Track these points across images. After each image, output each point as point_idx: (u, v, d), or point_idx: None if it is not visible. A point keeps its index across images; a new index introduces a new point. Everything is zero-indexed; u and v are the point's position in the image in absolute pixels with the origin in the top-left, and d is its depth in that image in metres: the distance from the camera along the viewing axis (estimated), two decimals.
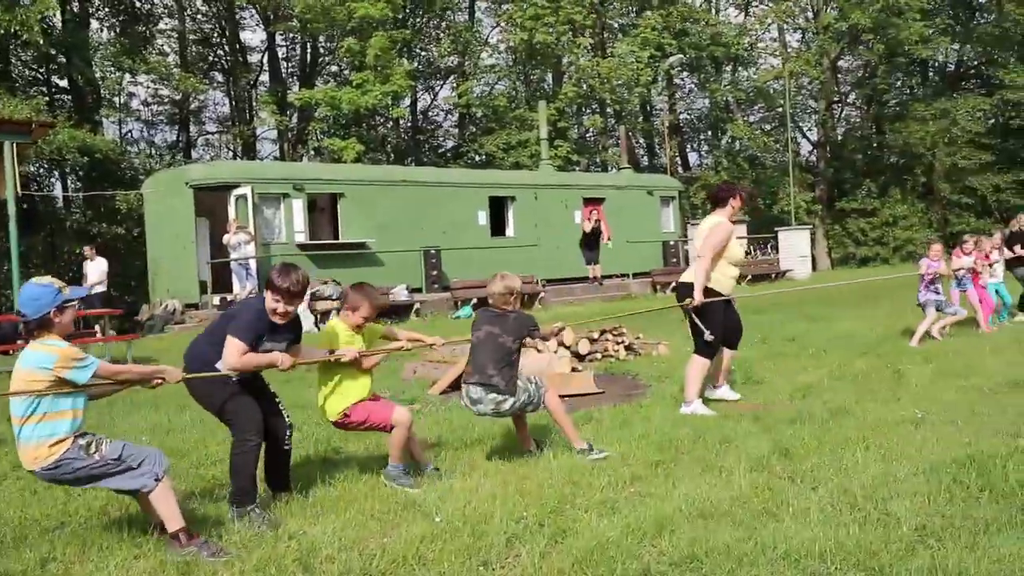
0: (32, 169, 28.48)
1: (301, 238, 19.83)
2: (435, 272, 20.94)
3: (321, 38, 37.46)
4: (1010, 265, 12.13)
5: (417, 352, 8.53)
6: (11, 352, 14.13)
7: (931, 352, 9.44)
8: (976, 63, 43.41)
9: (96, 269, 18.56)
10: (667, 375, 9.06)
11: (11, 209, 15.42)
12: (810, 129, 44.13)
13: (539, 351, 9.71)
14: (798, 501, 4.29)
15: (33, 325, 3.99)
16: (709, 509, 4.27)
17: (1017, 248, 11.88)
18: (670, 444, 5.74)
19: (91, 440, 4.09)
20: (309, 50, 39.42)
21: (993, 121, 40.55)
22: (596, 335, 10.62)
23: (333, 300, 18.05)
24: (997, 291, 11.66)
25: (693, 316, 6.92)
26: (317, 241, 20.40)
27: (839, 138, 42.91)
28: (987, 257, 11.33)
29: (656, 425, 6.40)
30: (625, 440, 5.97)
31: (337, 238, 20.70)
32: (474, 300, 19.56)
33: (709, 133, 43.31)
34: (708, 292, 6.95)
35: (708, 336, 6.86)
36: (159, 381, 4.40)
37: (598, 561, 3.65)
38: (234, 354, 4.59)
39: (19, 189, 15.71)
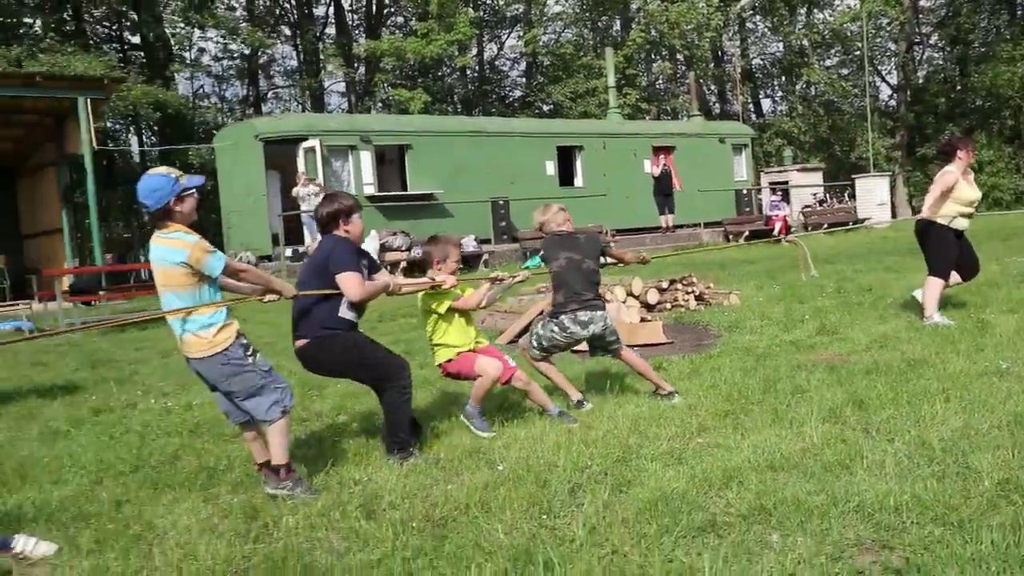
0: (108, 125, 29.07)
1: (370, 190, 19.92)
2: (503, 223, 20.87)
3: None
4: None
5: (504, 295, 8.44)
6: (93, 303, 14.60)
7: (1017, 302, 9.04)
8: None
9: None
10: (737, 325, 8.86)
11: (88, 164, 15.87)
12: (889, 72, 42.58)
13: (607, 300, 9.61)
14: (872, 454, 4.13)
15: (157, 215, 4.03)
16: (779, 461, 4.14)
17: None
18: (740, 394, 5.61)
19: (249, 344, 4.22)
20: (374, 1, 39.25)
21: None
22: (665, 284, 10.41)
23: (403, 251, 18.15)
24: None
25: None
26: (385, 193, 20.47)
27: (920, 82, 41.29)
28: None
29: (726, 375, 6.26)
30: (693, 390, 5.87)
31: (405, 189, 20.75)
32: (542, 252, 19.44)
33: (783, 78, 42.06)
34: (941, 227, 8.04)
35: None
36: (273, 297, 4.49)
37: (663, 511, 3.57)
38: (356, 286, 4.63)
39: (95, 144, 16.13)
